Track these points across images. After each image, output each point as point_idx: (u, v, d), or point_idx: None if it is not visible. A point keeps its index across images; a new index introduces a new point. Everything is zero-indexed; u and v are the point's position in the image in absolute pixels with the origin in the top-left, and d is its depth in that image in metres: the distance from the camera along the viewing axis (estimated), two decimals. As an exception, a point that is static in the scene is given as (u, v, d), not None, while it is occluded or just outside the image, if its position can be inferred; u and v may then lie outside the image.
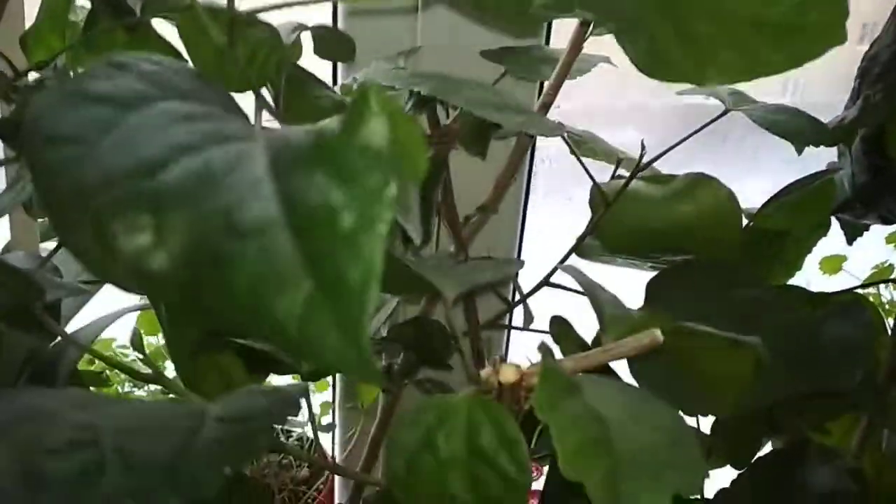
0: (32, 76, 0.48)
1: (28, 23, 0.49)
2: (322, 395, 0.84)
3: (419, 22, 0.63)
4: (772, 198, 0.55)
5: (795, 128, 0.46)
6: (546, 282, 0.54)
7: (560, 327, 0.52)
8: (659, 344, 0.30)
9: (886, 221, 0.59)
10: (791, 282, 0.64)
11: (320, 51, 0.46)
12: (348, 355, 0.18)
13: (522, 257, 0.71)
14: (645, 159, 0.49)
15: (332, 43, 0.44)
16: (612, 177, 0.53)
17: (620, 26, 0.29)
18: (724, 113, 0.49)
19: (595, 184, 0.49)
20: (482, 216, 0.53)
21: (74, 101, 0.23)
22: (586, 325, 0.47)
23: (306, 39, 0.48)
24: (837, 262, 0.78)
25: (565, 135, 0.49)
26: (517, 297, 0.57)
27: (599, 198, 0.50)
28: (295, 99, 0.44)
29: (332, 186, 0.19)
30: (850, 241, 0.66)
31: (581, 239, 0.52)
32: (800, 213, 0.58)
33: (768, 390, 0.42)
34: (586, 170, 0.48)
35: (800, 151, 0.49)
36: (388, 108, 0.19)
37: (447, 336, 0.57)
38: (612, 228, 0.51)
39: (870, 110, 0.53)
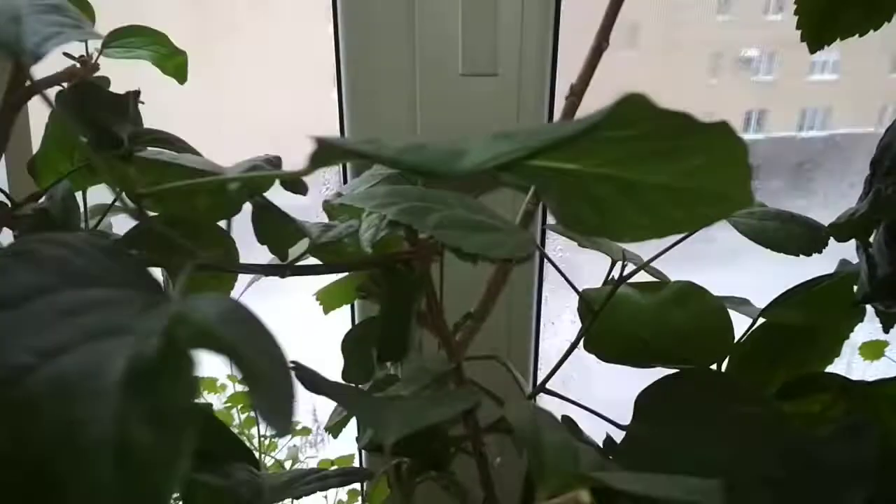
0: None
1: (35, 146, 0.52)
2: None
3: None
4: (781, 296, 0.52)
5: (786, 236, 0.43)
6: (542, 389, 0.52)
7: (568, 426, 0.51)
8: (584, 507, 0.28)
9: (919, 312, 0.55)
10: (831, 368, 0.61)
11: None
12: None
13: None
14: (634, 265, 0.48)
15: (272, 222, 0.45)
16: (605, 281, 0.52)
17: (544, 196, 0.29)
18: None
19: (578, 293, 0.48)
20: (474, 323, 0.53)
21: (-44, 306, 0.24)
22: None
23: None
24: (879, 348, 0.73)
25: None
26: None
27: (586, 306, 0.48)
28: (268, 228, 0.44)
29: (143, 418, 0.19)
30: (886, 329, 0.63)
31: (572, 347, 0.50)
32: (819, 309, 0.55)
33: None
34: (568, 280, 0.47)
35: (796, 255, 0.46)
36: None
37: (447, 440, 0.56)
38: (603, 337, 0.49)
39: (882, 204, 0.50)
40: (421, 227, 0.42)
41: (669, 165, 0.24)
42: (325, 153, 0.23)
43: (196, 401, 0.20)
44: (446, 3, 0.59)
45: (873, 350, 0.73)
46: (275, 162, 0.44)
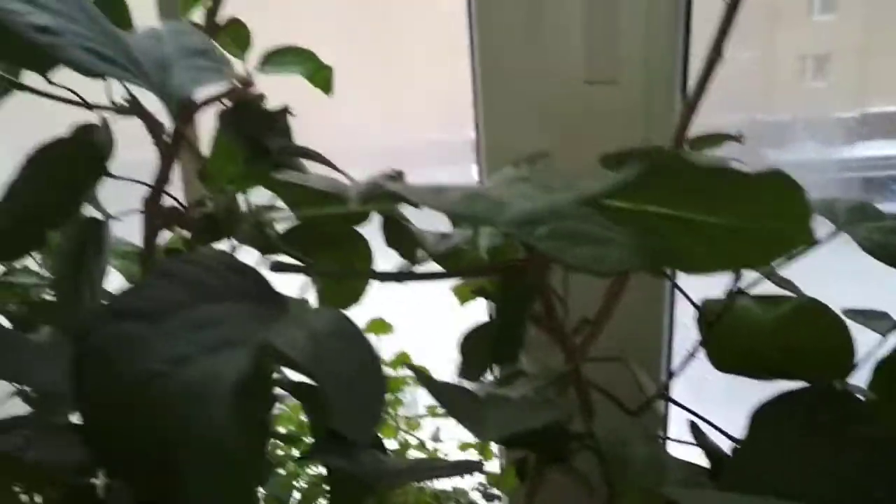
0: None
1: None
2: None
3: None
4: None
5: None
6: (661, 395, 0.53)
7: (694, 433, 0.52)
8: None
9: None
10: None
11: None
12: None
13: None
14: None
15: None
16: (728, 293, 0.51)
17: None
18: (834, 234, 0.45)
19: (694, 304, 0.48)
20: (594, 327, 0.54)
21: (115, 318, 0.29)
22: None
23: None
24: None
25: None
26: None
27: (703, 317, 0.48)
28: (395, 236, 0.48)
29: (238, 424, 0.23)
30: None
31: (688, 358, 0.50)
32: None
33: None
34: (682, 292, 0.48)
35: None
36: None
37: (568, 436, 0.58)
38: (721, 349, 0.49)
39: None
40: (528, 239, 0.44)
41: (727, 208, 0.25)
42: (378, 194, 0.26)
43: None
44: (571, 11, 0.60)
45: None
46: (396, 176, 0.48)
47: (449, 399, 0.40)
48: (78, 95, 0.52)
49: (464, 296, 0.68)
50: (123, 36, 0.35)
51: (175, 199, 0.56)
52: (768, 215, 0.25)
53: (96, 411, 0.27)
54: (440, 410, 0.86)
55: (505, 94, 0.65)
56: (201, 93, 0.52)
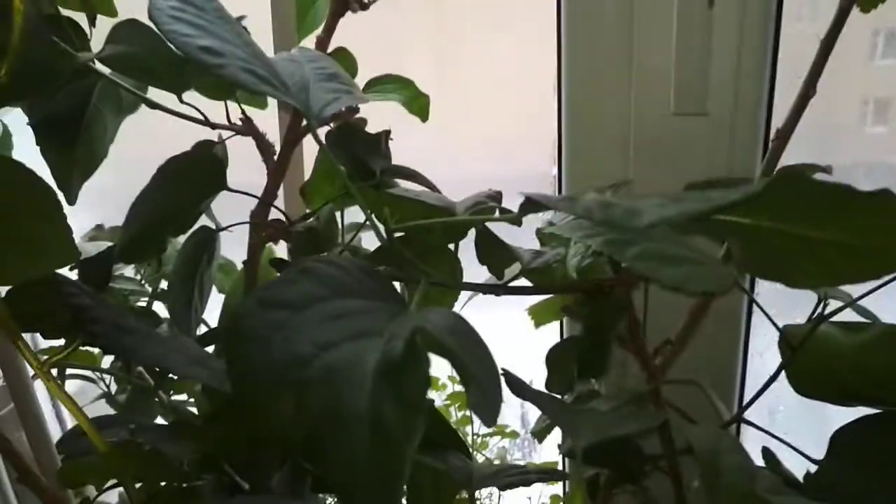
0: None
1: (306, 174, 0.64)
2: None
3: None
4: None
5: None
6: (738, 418, 0.55)
7: (767, 458, 0.53)
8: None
9: None
10: None
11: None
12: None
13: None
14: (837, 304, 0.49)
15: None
16: (810, 318, 0.53)
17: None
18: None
19: (778, 329, 0.50)
20: (675, 348, 0.56)
21: (262, 307, 0.33)
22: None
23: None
24: None
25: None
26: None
27: (786, 342, 0.50)
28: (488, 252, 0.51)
29: (391, 401, 0.26)
30: None
31: (770, 381, 0.52)
32: None
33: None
34: (768, 316, 0.49)
35: None
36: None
37: (643, 456, 0.60)
38: (803, 373, 0.51)
39: None
40: (621, 258, 0.46)
41: (835, 224, 0.27)
42: (531, 207, 0.29)
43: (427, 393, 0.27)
44: (662, 41, 0.63)
45: None
46: (496, 197, 0.51)
47: (545, 404, 0.42)
48: (202, 114, 0.57)
49: (539, 318, 0.71)
50: (269, 58, 0.39)
51: (282, 212, 0.60)
52: (876, 232, 0.27)
53: (253, 389, 0.31)
54: (509, 430, 0.89)
55: (591, 127, 0.68)
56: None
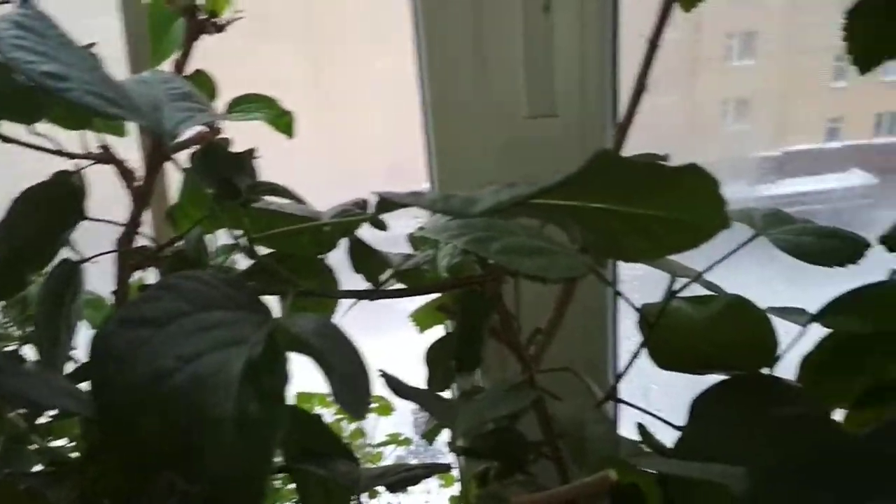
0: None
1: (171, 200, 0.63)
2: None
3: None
4: (830, 304, 0.55)
5: (823, 249, 0.48)
6: (609, 397, 0.58)
7: (641, 432, 0.56)
8: (610, 484, 0.34)
9: None
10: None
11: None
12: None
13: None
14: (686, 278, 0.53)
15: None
16: (665, 296, 0.57)
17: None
18: (754, 237, 0.52)
19: (636, 308, 0.54)
20: (545, 337, 0.59)
21: (124, 326, 0.33)
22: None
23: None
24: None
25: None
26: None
27: (644, 320, 0.54)
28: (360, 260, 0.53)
29: (254, 398, 0.27)
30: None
31: (633, 358, 0.56)
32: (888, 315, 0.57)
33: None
34: (625, 298, 0.53)
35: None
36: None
37: (527, 445, 0.62)
38: (661, 349, 0.54)
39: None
40: (485, 254, 0.48)
41: (655, 200, 0.30)
42: (386, 205, 0.31)
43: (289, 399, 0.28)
44: (511, 49, 0.66)
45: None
46: (361, 205, 0.52)
47: (424, 400, 0.44)
48: (58, 144, 0.55)
49: (423, 322, 0.72)
50: (118, 81, 0.39)
51: (150, 238, 0.59)
52: (691, 204, 0.31)
53: (118, 408, 0.30)
54: (402, 437, 0.90)
55: (454, 135, 0.71)
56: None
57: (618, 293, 0.54)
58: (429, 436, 0.67)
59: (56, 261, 0.55)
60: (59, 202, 0.51)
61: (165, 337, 0.32)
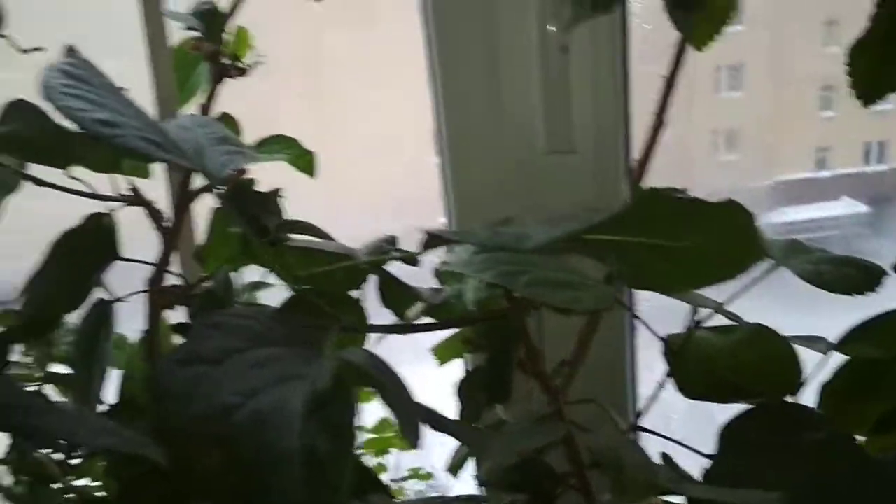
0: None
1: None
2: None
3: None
4: (851, 332, 0.57)
5: (839, 278, 0.49)
6: (633, 427, 0.59)
7: (666, 462, 0.57)
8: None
9: None
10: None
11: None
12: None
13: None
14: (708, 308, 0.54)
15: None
16: (688, 325, 0.58)
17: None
18: (775, 268, 0.53)
19: (660, 338, 0.55)
20: (570, 369, 0.60)
21: (181, 365, 0.34)
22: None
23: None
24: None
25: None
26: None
27: (669, 350, 0.55)
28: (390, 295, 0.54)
29: (322, 434, 0.28)
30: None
31: (659, 387, 0.57)
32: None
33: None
34: (648, 327, 0.54)
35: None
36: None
37: (555, 477, 0.63)
38: (686, 377, 0.55)
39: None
40: (514, 288, 0.50)
41: (691, 233, 0.32)
42: (433, 242, 0.32)
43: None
44: (527, 86, 0.68)
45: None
46: (391, 240, 0.54)
47: (459, 431, 0.45)
48: (90, 187, 0.56)
49: (443, 356, 0.73)
50: (164, 126, 0.41)
51: (181, 276, 0.60)
52: (728, 237, 0.32)
53: (183, 445, 0.31)
54: (423, 472, 0.90)
55: (472, 173, 0.73)
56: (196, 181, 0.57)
57: (642, 322, 0.55)
58: (453, 469, 0.67)
59: (90, 300, 0.56)
60: (94, 243, 0.53)
61: (222, 374, 0.33)
